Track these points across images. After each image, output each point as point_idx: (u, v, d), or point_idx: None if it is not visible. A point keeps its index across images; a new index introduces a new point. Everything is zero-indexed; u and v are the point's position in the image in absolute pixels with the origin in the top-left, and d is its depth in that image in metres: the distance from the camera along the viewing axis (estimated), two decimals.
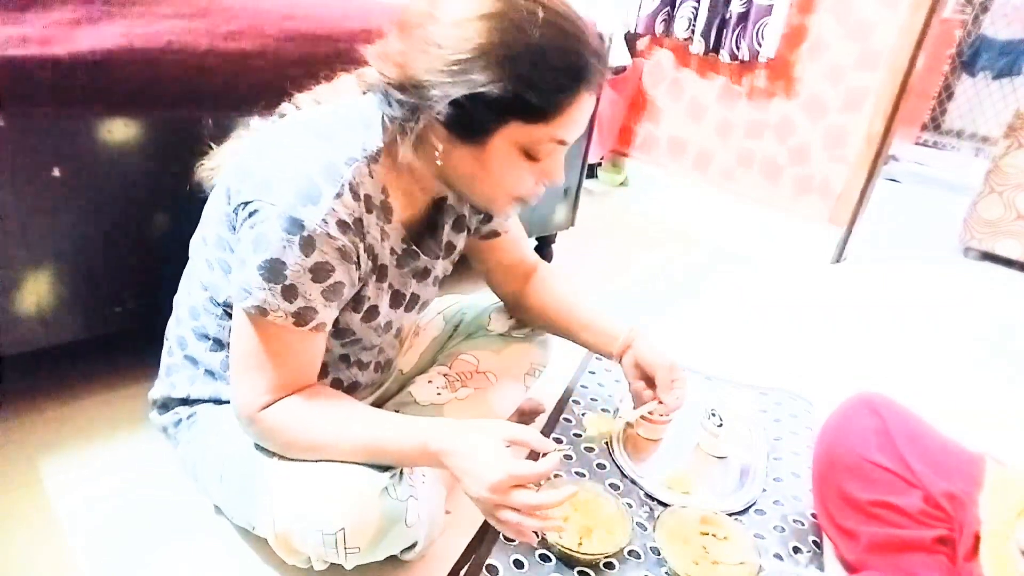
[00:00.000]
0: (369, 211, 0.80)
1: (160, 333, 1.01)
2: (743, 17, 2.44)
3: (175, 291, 0.98)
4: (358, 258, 0.80)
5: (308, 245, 0.73)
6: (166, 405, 0.98)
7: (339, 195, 0.74)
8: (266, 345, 0.78)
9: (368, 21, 1.22)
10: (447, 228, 0.97)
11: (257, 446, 0.85)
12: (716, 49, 2.56)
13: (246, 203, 0.75)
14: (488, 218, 1.04)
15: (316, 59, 1.16)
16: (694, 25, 2.59)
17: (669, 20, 2.70)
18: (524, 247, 1.13)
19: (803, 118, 2.52)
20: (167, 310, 0.99)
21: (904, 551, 0.89)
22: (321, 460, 0.81)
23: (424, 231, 0.94)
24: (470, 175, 0.79)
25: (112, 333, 1.15)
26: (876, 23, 2.28)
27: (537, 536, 0.78)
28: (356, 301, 0.86)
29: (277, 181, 0.73)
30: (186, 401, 0.95)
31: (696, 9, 2.56)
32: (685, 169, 2.92)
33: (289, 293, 0.75)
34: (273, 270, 0.73)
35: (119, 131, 1.03)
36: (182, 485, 1.02)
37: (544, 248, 2.09)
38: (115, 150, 1.04)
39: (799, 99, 2.52)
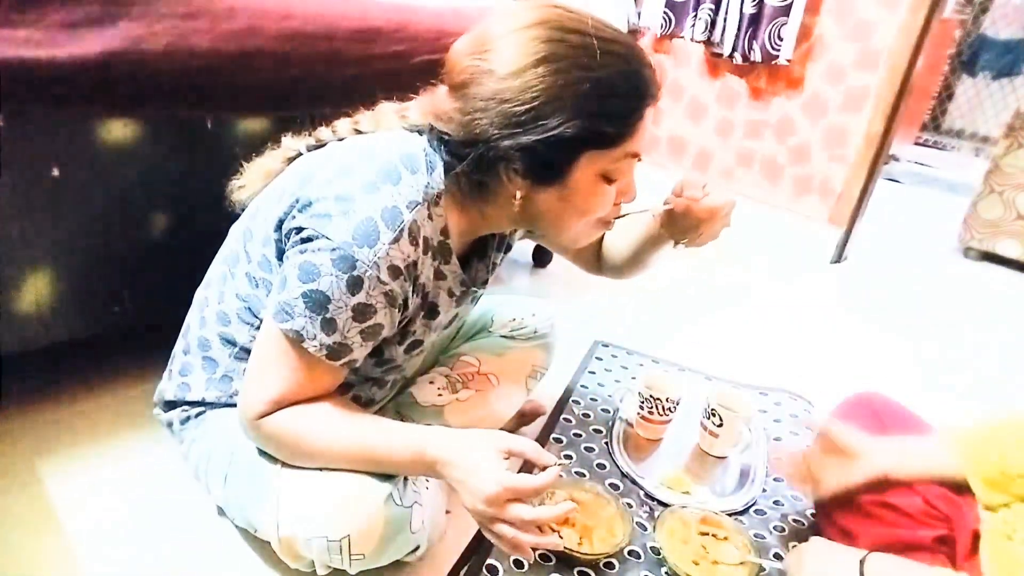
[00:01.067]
0: (426, 252, 0.79)
1: (158, 333, 1.00)
2: (754, 19, 2.44)
3: (174, 291, 0.97)
4: (405, 300, 0.80)
5: (356, 285, 0.73)
6: (173, 403, 0.97)
7: (396, 240, 0.74)
8: (291, 365, 0.77)
9: (367, 20, 1.22)
10: (493, 250, 0.97)
11: (262, 450, 0.85)
12: (731, 51, 2.55)
13: (300, 229, 0.75)
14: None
15: (316, 59, 1.16)
16: (712, 27, 2.59)
17: (676, 20, 2.69)
18: None
19: (803, 118, 2.52)
20: (166, 310, 0.99)
21: (904, 551, 0.89)
22: (322, 467, 0.81)
23: (472, 255, 0.94)
24: (554, 214, 0.79)
25: (111, 333, 1.15)
26: (876, 23, 2.27)
27: (534, 552, 0.76)
28: (402, 335, 0.86)
29: (337, 217, 0.73)
30: (196, 403, 0.94)
31: (714, 11, 2.56)
32: (685, 169, 2.91)
33: (328, 326, 0.74)
34: (317, 302, 0.73)
35: (118, 131, 1.03)
36: (183, 485, 1.02)
37: (544, 249, 2.08)
38: (114, 150, 1.04)
39: (799, 99, 2.52)
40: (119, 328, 1.16)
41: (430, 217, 0.78)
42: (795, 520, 1.12)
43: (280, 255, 0.80)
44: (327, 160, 0.80)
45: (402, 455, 0.79)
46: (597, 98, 0.71)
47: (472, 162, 0.75)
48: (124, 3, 0.99)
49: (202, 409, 0.93)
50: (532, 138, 0.71)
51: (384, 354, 0.87)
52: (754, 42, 2.46)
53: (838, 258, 2.48)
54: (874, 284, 2.37)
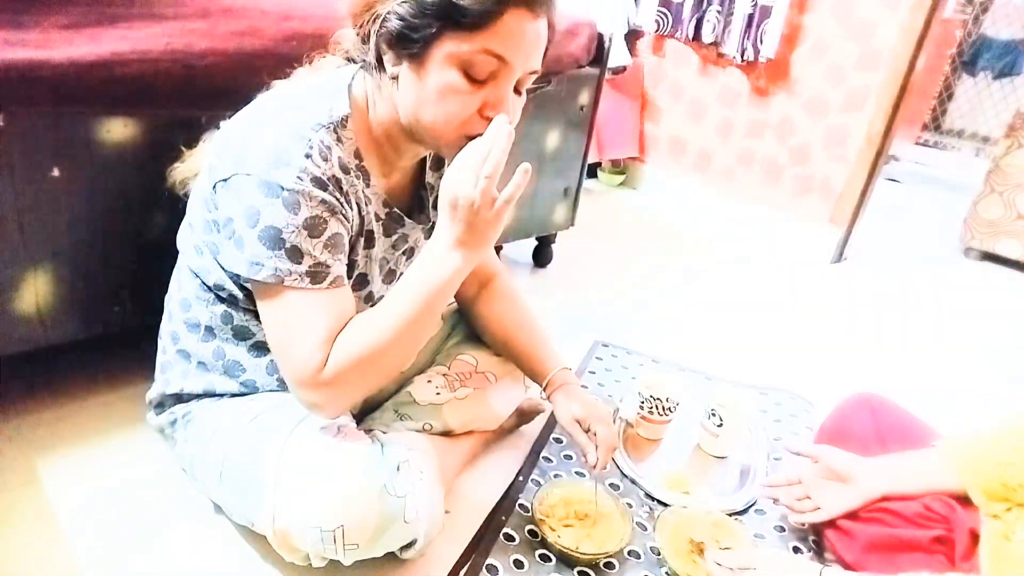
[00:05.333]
0: (345, 172, 0.81)
1: (158, 333, 1.01)
2: (751, 18, 2.44)
3: None
4: (345, 212, 0.81)
5: (292, 203, 0.75)
6: (161, 404, 0.98)
7: (308, 155, 0.76)
8: (296, 314, 0.78)
9: None
10: (429, 207, 0.99)
11: (257, 443, 0.85)
12: (736, 51, 2.55)
13: (225, 179, 0.77)
14: None
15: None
16: (718, 27, 2.59)
17: (673, 20, 2.69)
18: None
19: (804, 118, 2.52)
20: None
21: (902, 551, 0.89)
22: (397, 363, 0.84)
23: (410, 207, 0.97)
24: (415, 98, 0.79)
25: (110, 333, 1.15)
26: (876, 23, 2.27)
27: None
28: (349, 266, 0.87)
29: (250, 151, 0.76)
30: (180, 398, 0.95)
31: (721, 12, 2.56)
32: (685, 169, 2.91)
33: (295, 255, 0.76)
34: (271, 237, 0.75)
35: (118, 131, 1.03)
36: (181, 484, 1.02)
37: (544, 248, 2.08)
38: (114, 150, 1.04)
39: (800, 99, 2.52)
40: (119, 328, 1.16)
41: (339, 140, 0.81)
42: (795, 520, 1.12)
43: (216, 207, 0.81)
44: (242, 112, 0.84)
45: (432, 280, 0.80)
46: None
47: (364, 41, 0.78)
48: (123, 4, 1.00)
49: (189, 409, 0.94)
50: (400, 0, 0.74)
51: None
52: (747, 41, 2.47)
53: (838, 258, 2.48)
54: (874, 284, 2.37)
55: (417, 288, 0.80)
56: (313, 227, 0.76)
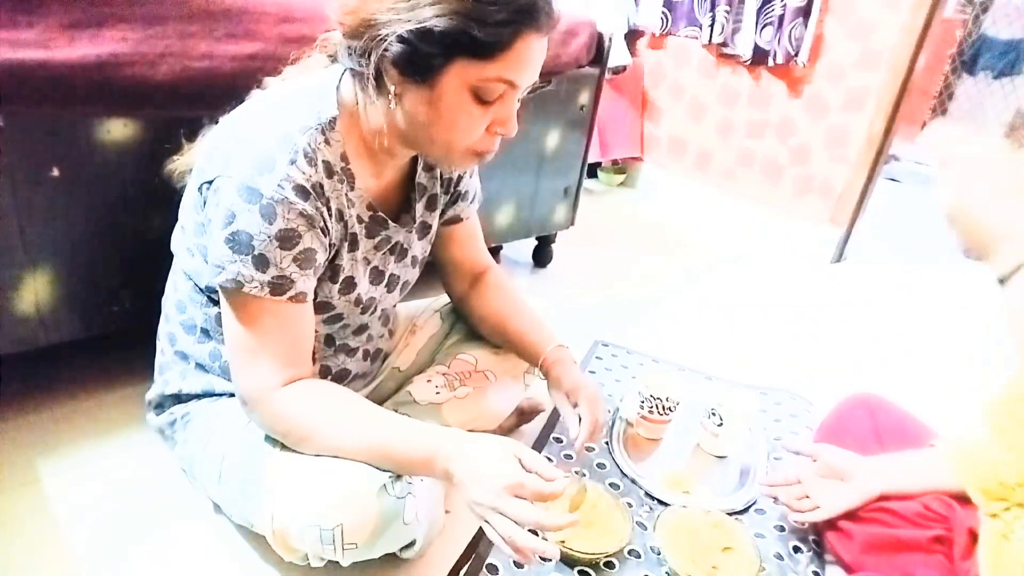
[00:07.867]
0: (329, 176, 0.81)
1: (157, 333, 1.01)
2: (780, 21, 2.43)
3: None
4: (325, 224, 0.81)
5: (270, 212, 0.74)
6: (161, 405, 0.98)
7: (293, 161, 0.76)
8: (252, 323, 0.78)
9: None
10: (420, 207, 0.98)
11: (256, 443, 0.85)
12: (750, 55, 2.55)
13: (209, 182, 0.77)
14: (453, 200, 1.04)
15: None
16: (713, 25, 2.58)
17: (675, 20, 2.69)
18: (479, 246, 1.14)
19: (804, 118, 2.52)
20: None
21: (901, 551, 0.89)
22: (321, 455, 0.81)
23: (399, 208, 0.96)
24: (423, 120, 0.79)
25: (110, 333, 1.16)
26: (877, 23, 2.27)
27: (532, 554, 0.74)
28: (332, 271, 0.87)
29: (235, 155, 0.76)
30: (179, 398, 0.95)
31: (729, 12, 2.55)
32: (686, 169, 2.91)
33: (260, 263, 0.75)
34: (240, 242, 0.75)
35: (118, 131, 1.03)
36: (180, 484, 1.02)
37: (544, 248, 2.08)
38: (113, 150, 1.04)
39: (800, 99, 2.52)
40: (119, 328, 1.16)
41: (327, 142, 0.80)
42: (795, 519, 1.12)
43: (204, 207, 0.81)
44: (232, 113, 0.84)
45: (415, 452, 0.79)
46: (475, 0, 0.72)
47: (358, 53, 0.77)
48: (124, 4, 1.00)
49: (188, 410, 0.94)
50: (408, 27, 0.72)
51: (319, 296, 0.87)
52: (775, 44, 2.45)
53: (838, 258, 2.48)
54: (874, 284, 2.37)
55: (394, 441, 0.80)
56: (286, 239, 0.76)
